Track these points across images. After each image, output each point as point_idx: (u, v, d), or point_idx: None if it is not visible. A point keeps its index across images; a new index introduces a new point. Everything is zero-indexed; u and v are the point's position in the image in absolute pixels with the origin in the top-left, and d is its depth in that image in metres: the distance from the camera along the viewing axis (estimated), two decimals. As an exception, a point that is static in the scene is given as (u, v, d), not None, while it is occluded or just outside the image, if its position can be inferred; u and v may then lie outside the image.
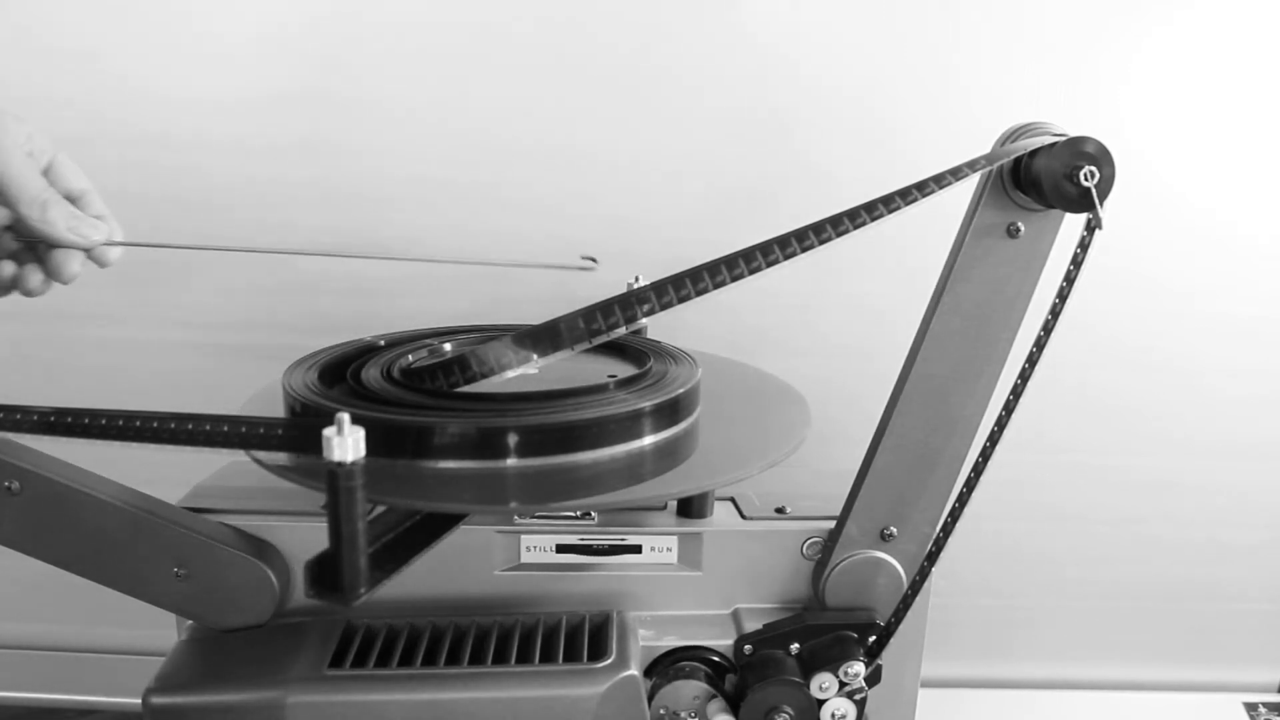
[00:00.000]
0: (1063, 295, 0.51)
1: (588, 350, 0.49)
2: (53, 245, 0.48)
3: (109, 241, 0.49)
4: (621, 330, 0.47)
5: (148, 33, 0.82)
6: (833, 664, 0.57)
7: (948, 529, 0.56)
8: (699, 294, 0.46)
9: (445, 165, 0.85)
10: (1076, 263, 0.51)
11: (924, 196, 0.48)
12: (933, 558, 0.57)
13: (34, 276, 0.49)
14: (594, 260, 0.58)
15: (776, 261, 0.46)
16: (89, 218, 0.48)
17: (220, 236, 0.86)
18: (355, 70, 0.83)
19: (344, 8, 0.82)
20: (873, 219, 0.47)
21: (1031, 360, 0.52)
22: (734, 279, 0.46)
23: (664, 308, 0.46)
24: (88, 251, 0.48)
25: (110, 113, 0.83)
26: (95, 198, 0.49)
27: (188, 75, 0.82)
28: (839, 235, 0.47)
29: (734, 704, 0.57)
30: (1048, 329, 0.52)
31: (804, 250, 0.47)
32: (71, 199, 0.48)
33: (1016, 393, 0.53)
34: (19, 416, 0.44)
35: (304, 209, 0.86)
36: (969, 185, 0.52)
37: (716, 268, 0.46)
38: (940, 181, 0.48)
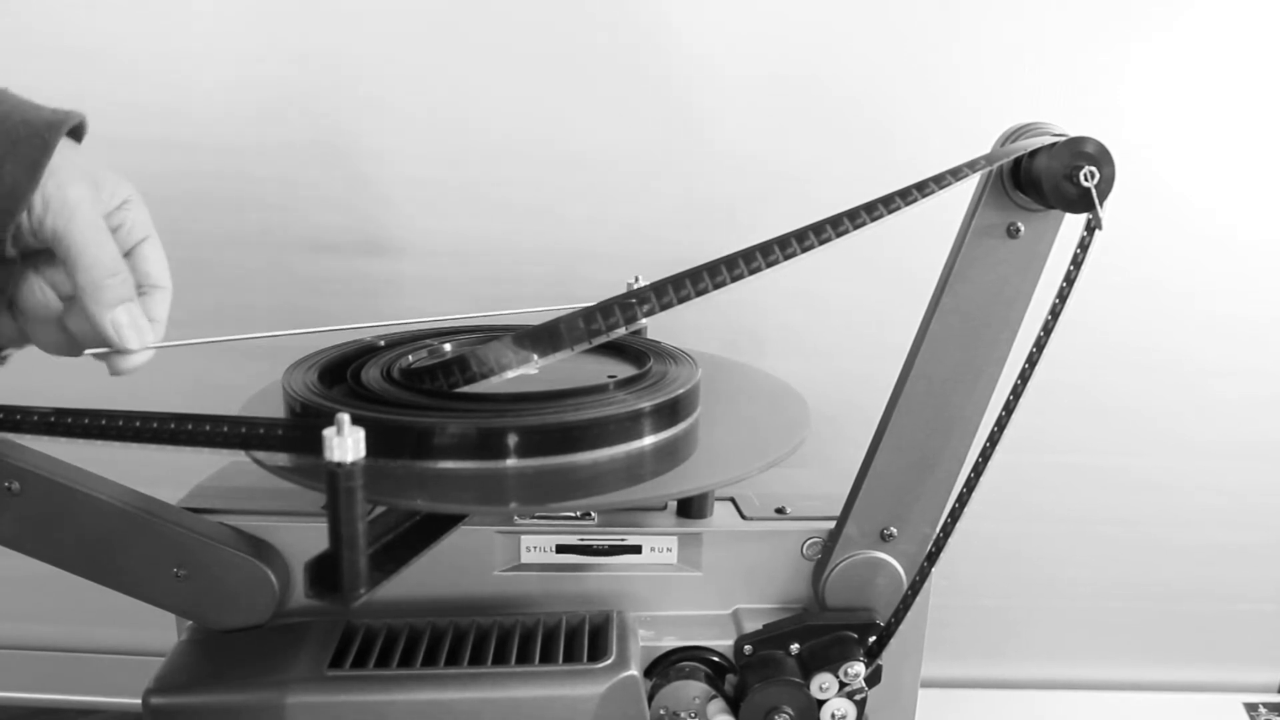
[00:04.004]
0: (1062, 295, 0.51)
1: (587, 350, 0.49)
2: (89, 321, 0.42)
3: (140, 348, 0.43)
4: (621, 330, 0.47)
5: (147, 33, 0.82)
6: (833, 664, 0.57)
7: (947, 529, 0.56)
8: (699, 294, 0.46)
9: (445, 166, 0.85)
10: (1076, 263, 0.51)
11: (924, 197, 0.48)
12: (932, 558, 0.57)
13: (7, 326, 0.43)
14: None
15: (776, 262, 0.46)
16: (141, 320, 0.42)
17: (219, 238, 0.86)
18: (355, 71, 0.83)
19: (344, 7, 0.82)
20: (872, 219, 0.47)
21: (1031, 361, 0.52)
22: (734, 279, 0.46)
23: (664, 308, 0.46)
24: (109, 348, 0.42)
25: (109, 113, 0.83)
26: (165, 300, 0.44)
27: (188, 76, 0.82)
28: (839, 235, 0.47)
29: (734, 704, 0.57)
30: (1047, 329, 0.52)
31: (804, 250, 0.47)
32: (138, 288, 0.43)
33: (1016, 393, 0.53)
34: (19, 416, 0.44)
35: (304, 210, 0.86)
36: (969, 185, 0.52)
37: (716, 268, 0.46)
38: (940, 182, 0.48)
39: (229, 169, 0.85)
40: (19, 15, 0.80)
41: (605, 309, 0.47)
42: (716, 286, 0.46)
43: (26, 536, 0.52)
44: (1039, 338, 0.52)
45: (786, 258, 0.46)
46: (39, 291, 0.43)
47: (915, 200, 0.48)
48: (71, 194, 0.40)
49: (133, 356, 0.42)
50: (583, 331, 0.47)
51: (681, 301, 0.46)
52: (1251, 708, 0.96)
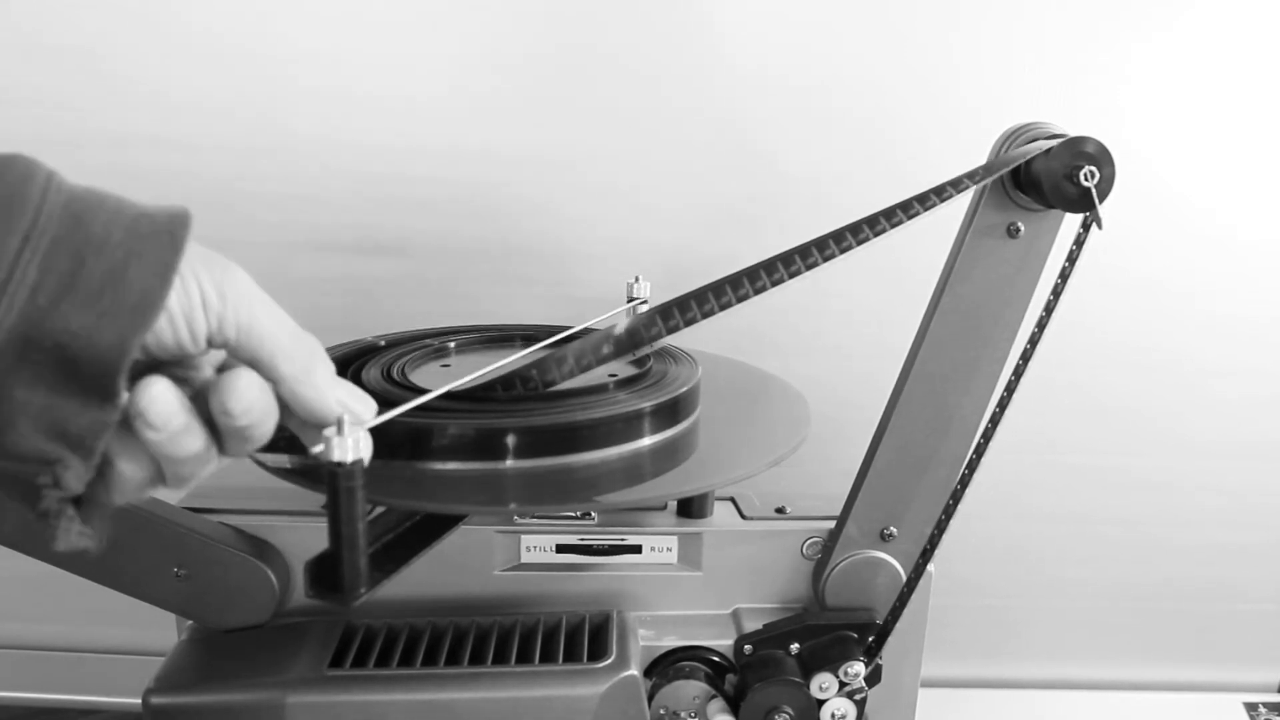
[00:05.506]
0: (1057, 292, 0.51)
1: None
2: (307, 420, 0.35)
3: (373, 415, 0.35)
4: (680, 329, 0.49)
5: (147, 32, 0.82)
6: (833, 664, 0.57)
7: (942, 526, 0.56)
8: (723, 309, 0.49)
9: (443, 168, 0.85)
10: (1071, 259, 0.51)
11: (925, 209, 0.49)
12: (927, 555, 0.57)
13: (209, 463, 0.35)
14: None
15: (781, 281, 0.49)
16: (357, 388, 0.36)
17: (215, 238, 0.85)
18: (353, 70, 0.83)
19: (343, 8, 0.82)
20: (875, 234, 0.49)
21: (1025, 356, 0.52)
22: (771, 285, 0.49)
23: (705, 316, 0.49)
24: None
25: (107, 113, 0.83)
26: None
27: (185, 75, 0.82)
28: (842, 252, 0.49)
29: (734, 704, 0.57)
30: (1041, 325, 0.52)
31: (808, 268, 0.49)
32: None
33: (1010, 389, 0.53)
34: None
35: (300, 209, 0.85)
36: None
37: (756, 273, 0.48)
38: (941, 194, 0.49)
39: (225, 168, 0.85)
40: (16, 12, 0.80)
41: (665, 311, 0.49)
42: (759, 292, 0.49)
43: (26, 536, 0.52)
44: (1033, 334, 0.52)
45: (791, 275, 0.49)
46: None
47: (916, 214, 0.49)
48: (239, 278, 0.34)
49: (364, 444, 0.35)
50: (660, 329, 0.49)
51: (724, 309, 0.49)
52: (1251, 708, 0.96)
